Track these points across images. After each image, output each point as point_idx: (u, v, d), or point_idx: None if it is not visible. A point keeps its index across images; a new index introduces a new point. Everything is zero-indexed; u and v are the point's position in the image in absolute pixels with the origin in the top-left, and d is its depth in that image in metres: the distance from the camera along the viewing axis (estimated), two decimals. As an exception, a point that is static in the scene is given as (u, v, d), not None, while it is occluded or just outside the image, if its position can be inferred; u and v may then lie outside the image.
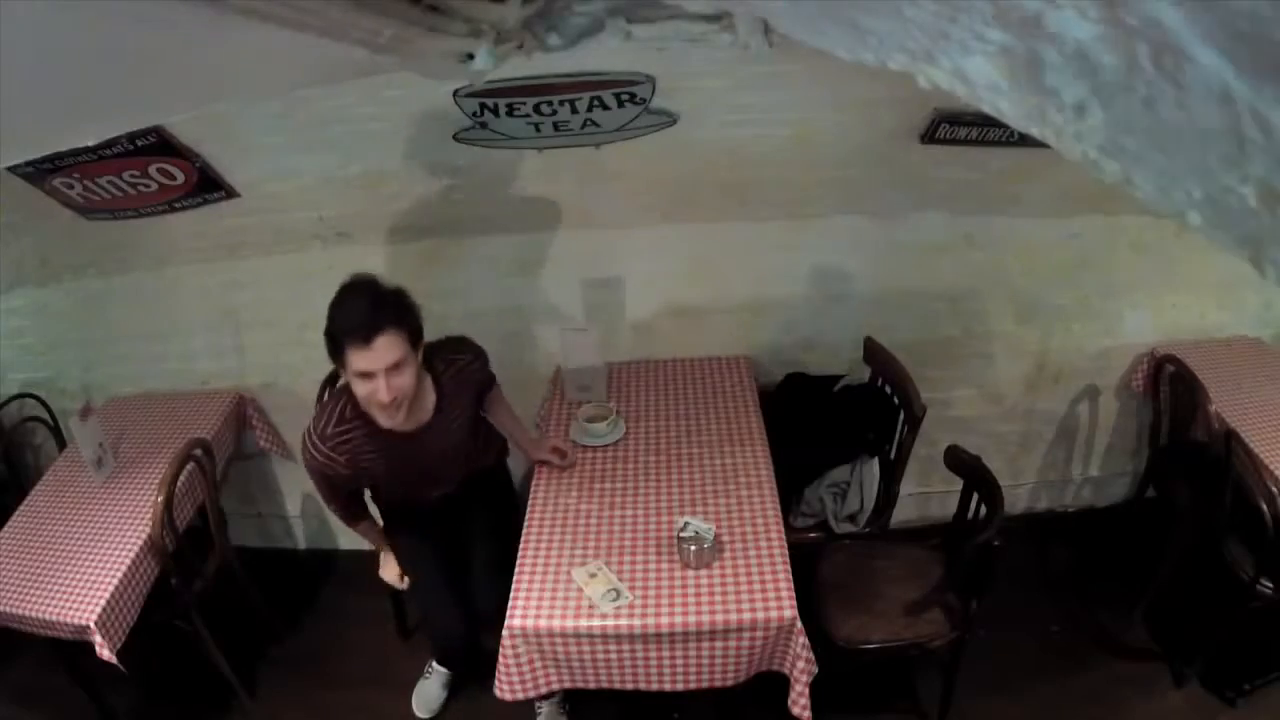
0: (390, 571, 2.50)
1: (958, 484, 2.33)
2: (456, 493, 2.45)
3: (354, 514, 2.40)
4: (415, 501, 2.42)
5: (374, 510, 2.52)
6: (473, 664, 2.52)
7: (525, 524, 2.28)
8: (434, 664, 2.69)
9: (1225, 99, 0.43)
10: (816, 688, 2.01)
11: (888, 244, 2.80)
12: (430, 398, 2.13)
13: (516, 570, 2.12)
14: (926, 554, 2.46)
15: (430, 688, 2.69)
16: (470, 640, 2.39)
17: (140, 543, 2.38)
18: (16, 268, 2.91)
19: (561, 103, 2.29)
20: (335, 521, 3.36)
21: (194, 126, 2.36)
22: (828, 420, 2.72)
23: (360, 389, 1.93)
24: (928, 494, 3.19)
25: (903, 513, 2.85)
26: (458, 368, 2.19)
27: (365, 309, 1.86)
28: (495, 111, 2.32)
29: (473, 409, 2.31)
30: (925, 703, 2.57)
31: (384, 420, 2.00)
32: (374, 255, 2.82)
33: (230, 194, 2.61)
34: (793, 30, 0.82)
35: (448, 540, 2.47)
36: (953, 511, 2.38)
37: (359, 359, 1.86)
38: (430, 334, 2.88)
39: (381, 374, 1.87)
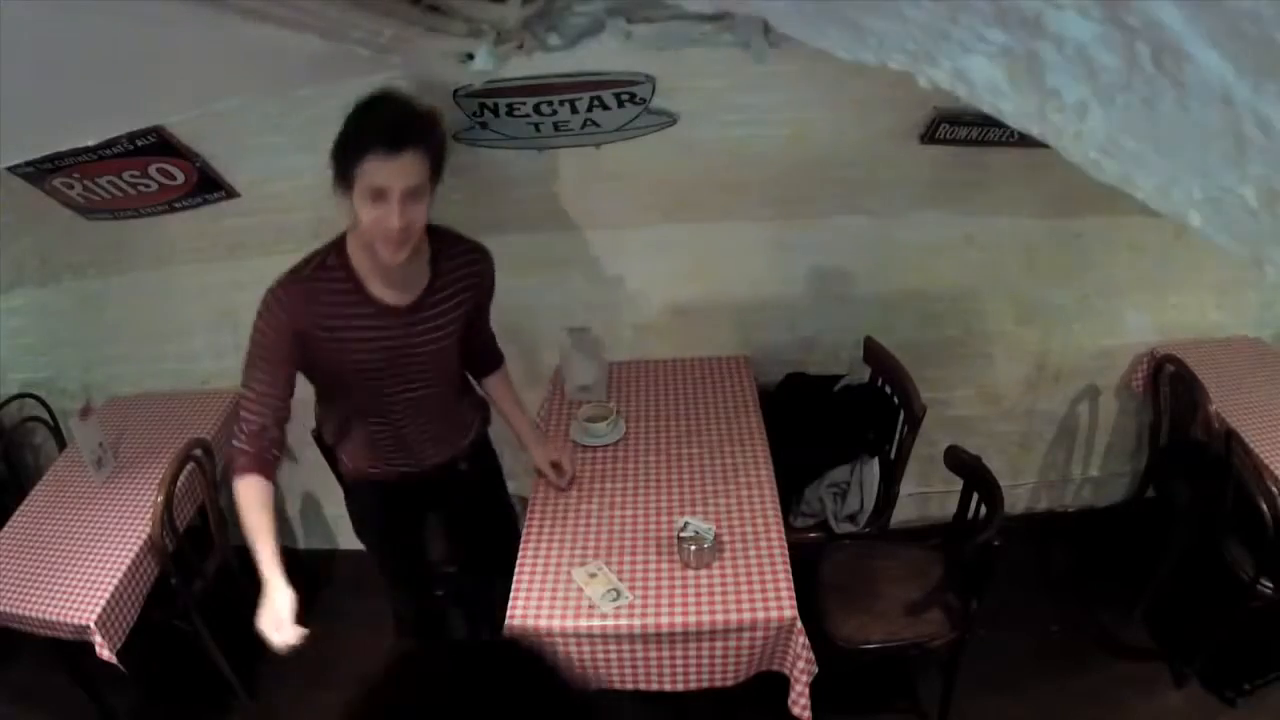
0: (275, 612, 1.76)
1: (958, 484, 2.33)
2: (438, 471, 2.14)
3: (259, 455, 1.81)
4: (393, 450, 2.06)
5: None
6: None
7: (525, 524, 2.28)
8: None
9: (1225, 99, 0.43)
10: (816, 687, 2.01)
11: (888, 244, 2.80)
12: (425, 273, 1.87)
13: (516, 570, 2.12)
14: (926, 554, 2.46)
15: None
16: (428, 619, 2.38)
17: (140, 543, 2.38)
18: (16, 268, 2.91)
19: (561, 103, 2.29)
20: (335, 522, 3.38)
21: (194, 126, 2.36)
22: (828, 420, 2.72)
23: (367, 213, 1.65)
24: (928, 494, 3.19)
25: (903, 513, 2.85)
26: (458, 251, 1.94)
27: (399, 116, 1.64)
28: (495, 111, 2.32)
29: (463, 317, 1.98)
30: (925, 703, 2.57)
31: (385, 255, 1.71)
32: (374, 255, 2.82)
33: (230, 194, 2.61)
34: (793, 30, 0.82)
35: (417, 528, 2.31)
36: (953, 511, 2.38)
37: (379, 171, 1.61)
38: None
39: (398, 195, 1.63)
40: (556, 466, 2.31)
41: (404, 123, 1.63)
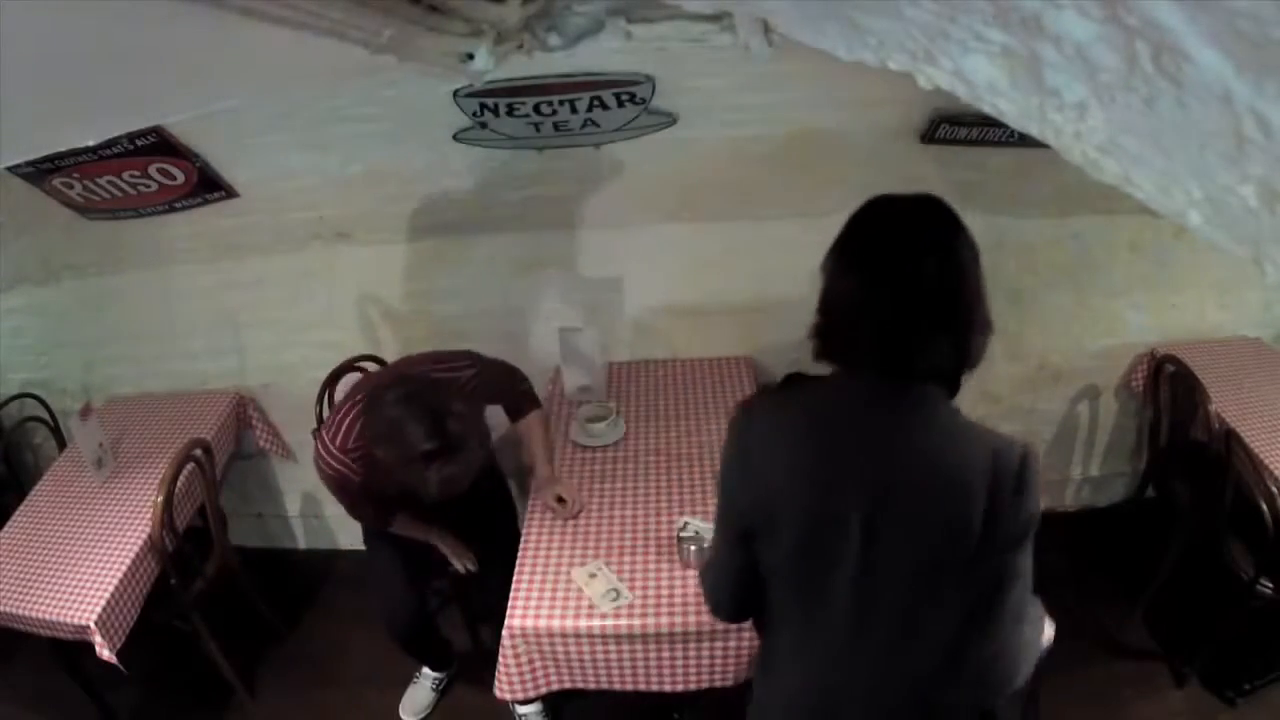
0: (457, 550, 2.38)
1: (958, 484, 2.32)
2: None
3: (383, 518, 2.31)
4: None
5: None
6: (424, 651, 2.53)
7: (525, 524, 2.28)
8: (424, 669, 2.68)
9: (1225, 99, 0.43)
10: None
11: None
12: None
13: (516, 570, 2.12)
14: (926, 554, 2.45)
15: (419, 692, 2.68)
16: (417, 631, 2.41)
17: (140, 543, 2.38)
18: (16, 268, 2.91)
19: (561, 103, 2.29)
20: (335, 522, 3.38)
21: (194, 126, 2.36)
22: (828, 420, 2.71)
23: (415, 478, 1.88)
24: (928, 494, 3.18)
25: (903, 512, 2.84)
26: (459, 385, 2.09)
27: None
28: (495, 111, 2.32)
29: (480, 409, 2.15)
30: (925, 703, 2.57)
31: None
32: (374, 255, 2.82)
33: (230, 194, 2.61)
34: (793, 30, 0.82)
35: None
36: (953, 511, 2.37)
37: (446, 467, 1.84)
38: (430, 334, 2.90)
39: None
40: (560, 500, 2.28)
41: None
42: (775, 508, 1.17)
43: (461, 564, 2.38)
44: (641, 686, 2.04)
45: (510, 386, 2.29)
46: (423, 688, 2.68)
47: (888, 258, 1.12)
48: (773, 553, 1.20)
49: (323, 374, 2.75)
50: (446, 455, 1.81)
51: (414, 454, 1.80)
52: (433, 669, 2.69)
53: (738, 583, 1.27)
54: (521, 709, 2.46)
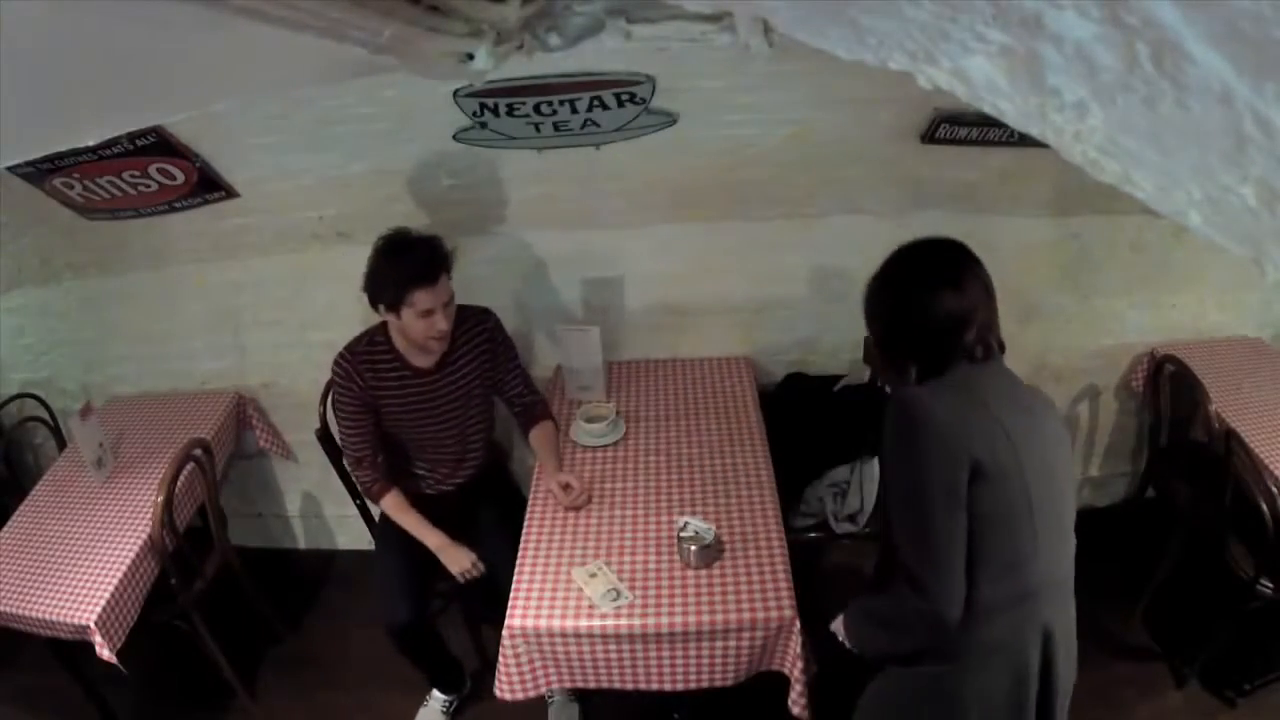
0: (456, 559, 2.35)
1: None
2: (452, 490, 2.52)
3: (379, 479, 2.41)
4: (418, 474, 2.53)
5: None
6: (422, 654, 2.52)
7: (525, 524, 2.28)
8: (435, 692, 2.65)
9: (1225, 99, 0.43)
10: (816, 687, 2.01)
11: (888, 244, 2.78)
12: (445, 342, 2.38)
13: (516, 570, 2.12)
14: (926, 554, 2.46)
15: (429, 715, 2.65)
16: (415, 634, 2.41)
17: (140, 543, 2.38)
18: (16, 268, 2.91)
19: (561, 103, 2.29)
20: (335, 522, 3.38)
21: (194, 126, 2.36)
22: (828, 420, 2.72)
23: (418, 327, 2.21)
24: (928, 494, 3.18)
25: (903, 513, 2.84)
26: (466, 318, 2.41)
27: (427, 256, 2.16)
28: (495, 111, 2.32)
29: (484, 372, 2.46)
30: (925, 703, 2.57)
31: (436, 347, 2.32)
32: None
33: (230, 194, 2.61)
34: (793, 30, 0.82)
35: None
36: (953, 511, 2.37)
37: (426, 298, 2.16)
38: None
39: (440, 308, 2.19)
40: (566, 487, 2.32)
41: (434, 257, 2.17)
42: (999, 442, 1.42)
43: (462, 574, 2.36)
44: (641, 686, 2.04)
45: (520, 369, 2.55)
46: (432, 710, 2.65)
47: (971, 276, 1.52)
48: (994, 495, 1.40)
49: (323, 374, 2.74)
50: (428, 275, 2.14)
51: (403, 273, 2.13)
52: (442, 691, 2.65)
53: (961, 549, 1.42)
54: (550, 694, 2.52)
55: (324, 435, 2.64)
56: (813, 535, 2.64)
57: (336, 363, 2.37)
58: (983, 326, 1.50)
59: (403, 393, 2.38)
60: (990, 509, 1.40)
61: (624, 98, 2.30)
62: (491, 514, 2.52)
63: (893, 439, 1.48)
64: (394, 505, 2.43)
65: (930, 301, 1.50)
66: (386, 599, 2.37)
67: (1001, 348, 1.54)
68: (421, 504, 2.48)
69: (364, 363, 2.35)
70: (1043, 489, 1.45)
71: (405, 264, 2.16)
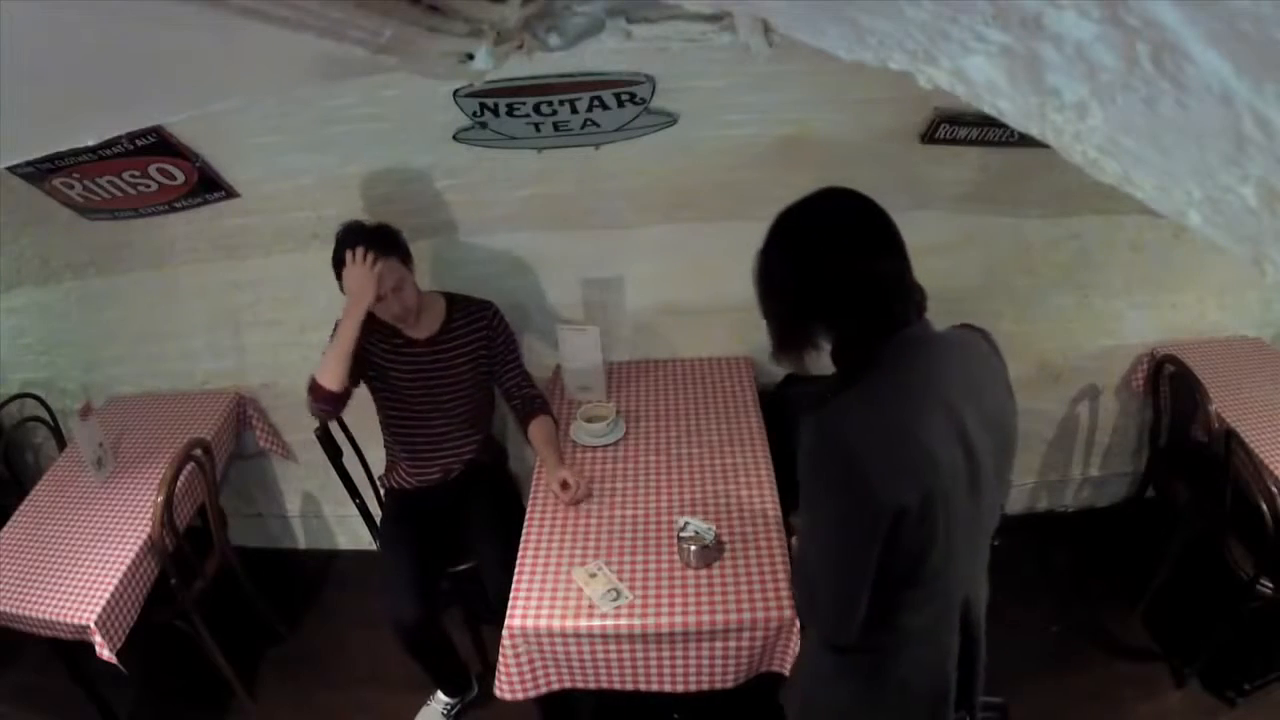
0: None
1: (958, 484, 2.33)
2: (453, 484, 2.54)
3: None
4: (403, 459, 2.57)
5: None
6: (429, 653, 2.51)
7: (525, 524, 2.28)
8: (439, 693, 2.65)
9: (1225, 99, 0.43)
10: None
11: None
12: (440, 316, 2.49)
13: (516, 570, 2.12)
14: (926, 554, 2.45)
15: (430, 716, 2.65)
16: (423, 632, 2.40)
17: (140, 543, 2.38)
18: (16, 268, 2.91)
19: (561, 103, 2.29)
20: (335, 522, 3.38)
21: (194, 126, 2.36)
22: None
23: (382, 313, 2.34)
24: (928, 494, 3.18)
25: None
26: (469, 306, 2.52)
27: (373, 229, 2.32)
28: (495, 111, 2.32)
29: (480, 359, 2.51)
30: (925, 703, 2.57)
31: (404, 327, 2.42)
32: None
33: (230, 194, 2.61)
34: (793, 30, 0.82)
35: (435, 536, 2.50)
36: (953, 511, 2.37)
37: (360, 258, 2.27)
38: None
39: (390, 294, 2.29)
40: (564, 483, 2.32)
41: (377, 231, 2.32)
42: (929, 479, 1.21)
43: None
44: (641, 686, 2.04)
45: (519, 363, 2.59)
46: (433, 711, 2.65)
47: (881, 230, 1.31)
48: (924, 527, 1.22)
49: (323, 374, 2.74)
50: (380, 245, 2.27)
51: (347, 237, 2.28)
52: (447, 694, 2.64)
53: (867, 586, 1.28)
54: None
55: (324, 435, 2.63)
56: (813, 535, 2.63)
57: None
58: (907, 281, 1.33)
59: (396, 356, 2.46)
60: (910, 544, 1.23)
61: (624, 98, 2.30)
62: (484, 513, 2.52)
63: (809, 473, 1.29)
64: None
65: (865, 263, 1.30)
66: (392, 596, 2.37)
67: (923, 300, 1.38)
68: (411, 497, 2.52)
69: (368, 328, 2.40)
70: (975, 504, 1.29)
71: (351, 230, 2.32)
